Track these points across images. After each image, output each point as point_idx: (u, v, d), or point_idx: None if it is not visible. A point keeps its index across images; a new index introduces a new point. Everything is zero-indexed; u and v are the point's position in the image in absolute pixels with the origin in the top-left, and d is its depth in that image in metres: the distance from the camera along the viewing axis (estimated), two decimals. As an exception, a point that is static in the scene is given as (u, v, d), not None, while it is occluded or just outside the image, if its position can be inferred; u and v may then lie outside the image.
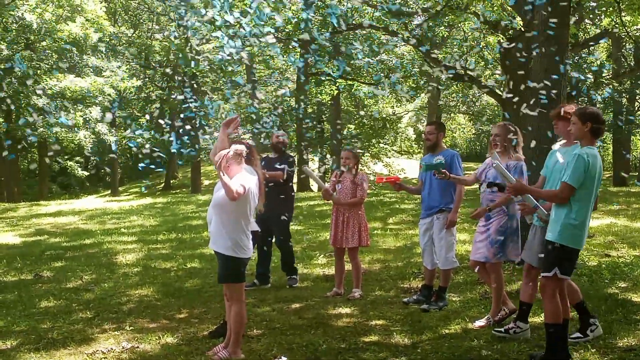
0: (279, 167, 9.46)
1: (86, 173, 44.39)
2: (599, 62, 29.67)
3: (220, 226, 6.43)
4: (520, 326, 6.95)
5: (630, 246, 11.32)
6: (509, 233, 7.50)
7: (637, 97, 34.19)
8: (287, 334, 7.31)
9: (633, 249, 11.11)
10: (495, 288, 7.59)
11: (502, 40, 18.05)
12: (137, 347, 6.98)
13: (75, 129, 32.35)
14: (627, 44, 29.78)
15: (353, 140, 36.32)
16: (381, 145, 40.38)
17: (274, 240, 9.94)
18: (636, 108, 35.43)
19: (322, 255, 12.16)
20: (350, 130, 40.02)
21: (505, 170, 6.51)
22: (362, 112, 38.97)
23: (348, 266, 9.47)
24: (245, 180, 6.37)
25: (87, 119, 32.94)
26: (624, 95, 31.75)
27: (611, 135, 35.05)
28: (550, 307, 6.06)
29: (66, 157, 43.03)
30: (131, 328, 7.73)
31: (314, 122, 35.56)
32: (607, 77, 26.93)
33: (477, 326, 7.45)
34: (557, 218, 6.02)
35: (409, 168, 42.40)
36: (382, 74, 33.14)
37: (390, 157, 41.85)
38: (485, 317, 7.64)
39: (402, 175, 39.10)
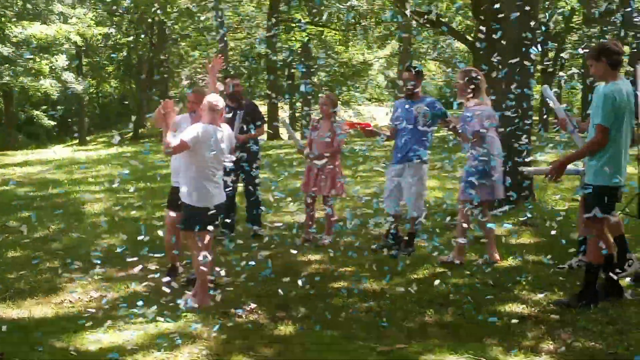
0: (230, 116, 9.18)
1: (53, 123, 43.81)
2: (569, 7, 29.62)
3: (181, 172, 6.64)
4: (582, 258, 7.02)
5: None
6: (472, 173, 7.67)
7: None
8: (256, 281, 7.31)
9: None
10: (458, 230, 7.84)
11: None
12: (105, 295, 6.94)
13: (41, 77, 31.80)
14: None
15: (324, 88, 36.14)
16: (352, 92, 40.20)
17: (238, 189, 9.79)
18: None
19: (292, 203, 12.10)
20: (320, 78, 39.77)
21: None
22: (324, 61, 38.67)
23: (318, 214, 9.45)
24: (185, 134, 6.48)
25: (53, 67, 32.38)
26: (593, 41, 31.79)
27: (580, 82, 35.23)
28: (591, 247, 6.17)
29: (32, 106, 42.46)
30: (99, 277, 7.67)
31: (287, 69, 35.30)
32: (577, 22, 26.88)
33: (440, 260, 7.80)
34: (589, 159, 6.08)
35: (380, 116, 42.32)
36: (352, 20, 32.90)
37: (361, 105, 41.72)
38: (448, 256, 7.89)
39: (372, 122, 39.12)
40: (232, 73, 9.74)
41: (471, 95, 7.73)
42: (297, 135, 9.36)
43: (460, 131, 7.87)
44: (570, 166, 6.54)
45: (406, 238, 8.56)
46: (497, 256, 7.82)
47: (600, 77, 6.16)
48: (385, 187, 8.70)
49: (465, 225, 7.70)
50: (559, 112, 6.83)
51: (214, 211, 6.57)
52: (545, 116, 24.37)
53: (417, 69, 8.62)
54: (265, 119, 10.37)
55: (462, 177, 7.84)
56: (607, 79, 6.09)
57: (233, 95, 9.40)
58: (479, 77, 7.78)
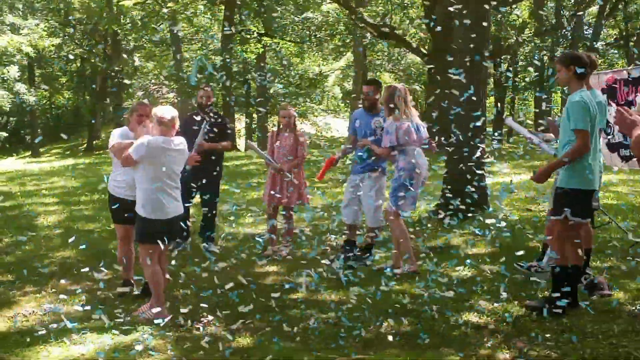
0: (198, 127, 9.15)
1: (5, 134, 43.15)
2: (520, 20, 30.10)
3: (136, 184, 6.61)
4: (541, 265, 7.33)
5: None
6: (398, 186, 7.90)
7: (557, 55, 34.82)
8: (213, 293, 7.26)
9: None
10: (398, 240, 8.07)
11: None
12: (60, 309, 6.85)
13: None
14: (549, 2, 30.27)
15: (280, 99, 36.12)
16: (308, 104, 40.27)
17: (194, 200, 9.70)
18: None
19: (249, 214, 12.10)
20: (277, 88, 39.76)
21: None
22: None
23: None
24: (131, 148, 6.49)
25: (5, 78, 31.93)
26: (544, 53, 32.28)
27: (534, 93, 35.69)
28: (568, 250, 6.27)
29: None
30: (53, 290, 7.59)
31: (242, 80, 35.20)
32: (529, 35, 27.34)
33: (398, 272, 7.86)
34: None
35: (336, 126, 42.46)
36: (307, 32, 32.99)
37: (317, 116, 41.77)
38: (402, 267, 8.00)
39: (329, 134, 39.20)
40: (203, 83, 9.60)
41: (391, 111, 8.00)
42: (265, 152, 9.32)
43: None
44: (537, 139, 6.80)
45: (363, 248, 8.60)
46: (401, 267, 7.99)
47: (564, 83, 6.39)
48: (344, 197, 8.75)
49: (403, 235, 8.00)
50: (525, 134, 7.24)
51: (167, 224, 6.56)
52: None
53: (377, 82, 8.79)
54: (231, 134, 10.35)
55: (391, 188, 8.04)
56: (571, 87, 6.31)
57: (202, 106, 9.35)
58: (399, 93, 7.95)
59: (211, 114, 9.35)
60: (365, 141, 8.29)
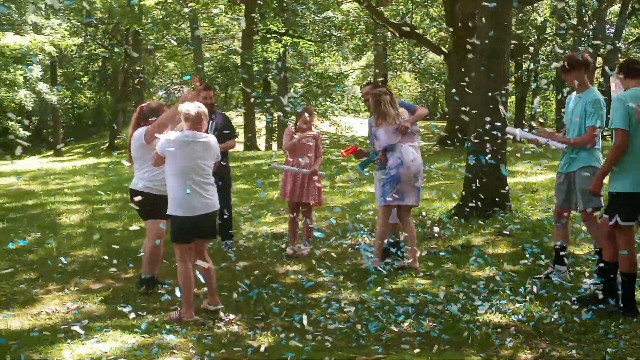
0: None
1: (28, 133, 43.49)
2: (542, 20, 29.95)
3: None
4: (559, 269, 7.27)
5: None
6: (389, 181, 8.11)
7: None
8: (235, 291, 7.30)
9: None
10: (377, 232, 8.40)
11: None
12: (82, 307, 6.90)
13: (15, 87, 31.62)
14: (570, 0, 30.10)
15: (301, 99, 36.16)
16: (328, 103, 40.31)
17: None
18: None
19: (269, 214, 12.13)
20: (297, 88, 39.83)
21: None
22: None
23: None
24: (159, 143, 6.56)
25: (28, 77, 32.18)
26: (566, 52, 32.12)
27: (554, 92, 35.51)
28: (621, 258, 6.25)
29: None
30: (76, 289, 7.64)
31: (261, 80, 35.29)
32: (550, 34, 27.18)
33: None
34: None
35: (356, 126, 42.44)
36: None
37: (337, 116, 41.80)
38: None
39: (349, 133, 39.19)
40: (205, 84, 9.51)
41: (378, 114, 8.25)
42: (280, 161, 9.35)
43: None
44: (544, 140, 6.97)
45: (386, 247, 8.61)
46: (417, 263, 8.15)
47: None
48: (375, 195, 8.92)
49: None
50: (528, 137, 7.34)
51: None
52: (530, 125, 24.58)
53: (370, 83, 8.92)
54: (238, 131, 10.34)
55: (382, 183, 8.23)
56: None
57: (204, 106, 9.33)
58: (384, 99, 8.22)
59: (214, 115, 9.35)
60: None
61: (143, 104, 7.59)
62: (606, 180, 6.41)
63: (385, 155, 8.27)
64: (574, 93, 7.10)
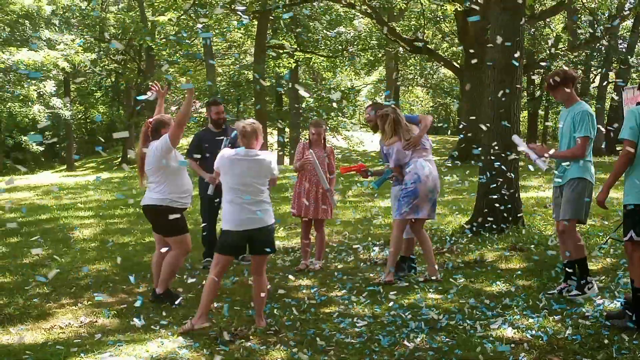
0: (218, 139, 9.22)
1: (41, 148, 43.73)
2: (554, 35, 29.90)
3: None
4: (571, 284, 7.21)
5: (593, 213, 11.44)
6: (403, 196, 8.12)
7: (592, 69, 34.56)
8: (247, 306, 7.31)
9: (588, 218, 11.24)
10: (391, 246, 8.30)
11: (459, 9, 18.01)
12: (96, 321, 6.92)
13: (29, 103, 31.81)
14: (583, 16, 30.05)
15: (312, 114, 36.24)
16: (340, 118, 40.36)
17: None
18: (591, 79, 35.81)
19: (282, 228, 12.15)
20: (308, 103, 39.92)
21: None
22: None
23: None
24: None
25: (41, 92, 32.38)
26: (579, 67, 32.06)
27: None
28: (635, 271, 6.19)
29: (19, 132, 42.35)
30: (89, 303, 7.66)
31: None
32: (563, 48, 27.14)
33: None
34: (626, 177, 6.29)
35: (368, 141, 42.44)
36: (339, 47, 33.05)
37: (349, 130, 41.83)
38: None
39: (361, 148, 39.19)
40: (216, 100, 9.56)
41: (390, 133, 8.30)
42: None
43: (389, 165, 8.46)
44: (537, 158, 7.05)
45: (398, 260, 8.60)
46: (437, 274, 8.19)
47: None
48: (392, 210, 8.87)
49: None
50: (522, 147, 7.42)
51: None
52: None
53: (373, 104, 8.97)
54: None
55: (399, 197, 8.21)
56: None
57: (217, 122, 9.39)
58: (391, 118, 8.29)
59: (226, 129, 9.39)
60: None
61: (150, 119, 7.62)
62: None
63: (400, 171, 8.30)
64: (563, 108, 7.22)
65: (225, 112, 9.64)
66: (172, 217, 7.12)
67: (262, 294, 6.65)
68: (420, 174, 8.04)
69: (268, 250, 6.59)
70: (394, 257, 8.23)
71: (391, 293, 7.53)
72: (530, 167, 7.96)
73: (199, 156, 9.12)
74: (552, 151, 7.11)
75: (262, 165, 6.58)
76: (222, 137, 9.14)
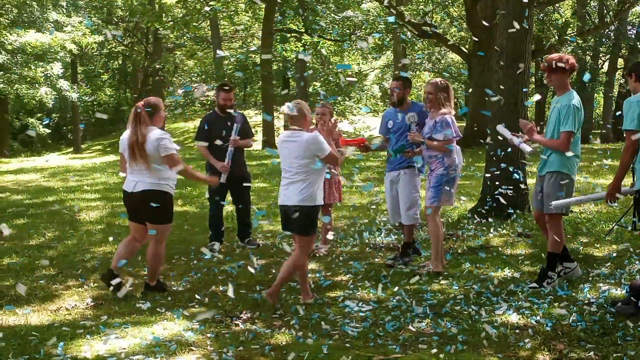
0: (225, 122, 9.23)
1: (48, 130, 43.78)
2: (563, 20, 29.75)
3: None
4: (567, 266, 7.30)
5: (591, 202, 11.43)
6: (445, 181, 7.83)
7: (600, 55, 34.39)
8: (252, 289, 7.33)
9: (595, 205, 11.24)
10: (431, 235, 7.99)
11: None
12: (101, 303, 6.95)
13: (36, 85, 31.80)
14: (592, 1, 29.91)
15: (319, 98, 36.17)
16: (347, 103, 40.26)
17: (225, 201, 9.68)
18: (600, 65, 35.65)
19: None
20: (315, 87, 39.83)
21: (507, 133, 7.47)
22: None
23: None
24: None
25: (49, 75, 32.36)
26: (587, 52, 31.91)
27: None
28: None
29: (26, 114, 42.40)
30: (95, 285, 7.69)
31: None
32: (572, 34, 27.00)
33: (419, 270, 7.88)
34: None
35: (375, 126, 42.32)
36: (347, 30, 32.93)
37: (356, 115, 41.71)
38: (427, 265, 8.06)
39: (367, 133, 39.10)
40: (225, 85, 9.55)
41: (443, 104, 7.95)
42: None
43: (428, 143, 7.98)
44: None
45: (402, 246, 8.59)
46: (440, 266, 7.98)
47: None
48: (386, 196, 8.73)
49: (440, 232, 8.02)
50: (507, 135, 7.48)
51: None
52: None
53: (404, 78, 8.63)
54: (256, 129, 10.33)
55: (433, 184, 7.91)
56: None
57: (222, 108, 9.37)
58: (449, 87, 8.04)
59: (234, 113, 9.40)
60: (416, 135, 8.18)
61: (140, 103, 7.27)
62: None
63: (420, 150, 8.09)
64: (557, 96, 7.16)
65: (234, 99, 9.64)
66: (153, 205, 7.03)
67: (292, 268, 6.86)
68: (459, 161, 7.96)
69: (296, 229, 6.82)
70: (440, 245, 7.96)
71: (395, 277, 7.54)
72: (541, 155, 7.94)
73: (204, 143, 9.14)
74: (537, 136, 7.09)
75: (302, 146, 6.66)
76: (228, 121, 9.16)
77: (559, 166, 6.89)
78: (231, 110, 9.38)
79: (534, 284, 7.06)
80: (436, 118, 7.84)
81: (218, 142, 8.79)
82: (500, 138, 8.00)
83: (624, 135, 6.28)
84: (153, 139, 7.01)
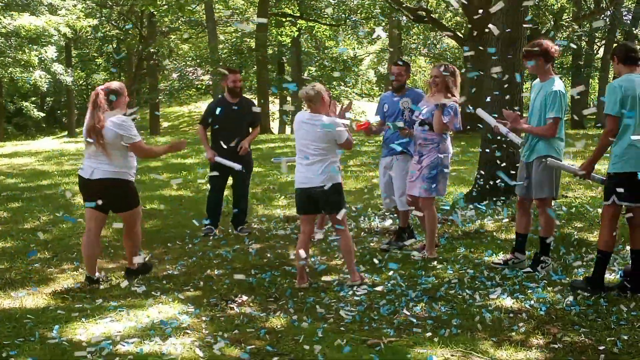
0: (234, 109, 9.19)
1: (42, 114, 43.65)
2: (559, 5, 29.71)
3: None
4: (518, 257, 7.33)
5: (586, 187, 11.46)
6: (440, 169, 7.78)
7: (596, 40, 34.37)
8: (247, 273, 7.34)
9: (590, 190, 11.26)
10: (428, 224, 7.90)
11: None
12: (97, 286, 6.95)
13: (30, 68, 31.67)
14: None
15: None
16: (342, 87, 40.23)
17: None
18: (595, 51, 35.63)
19: (282, 197, 12.16)
20: (311, 72, 39.79)
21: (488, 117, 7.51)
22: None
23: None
24: None
25: (43, 58, 32.23)
26: (583, 38, 31.88)
27: (570, 78, 35.29)
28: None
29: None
30: (90, 268, 7.68)
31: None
32: (567, 19, 26.96)
33: (412, 257, 7.82)
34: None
35: (370, 111, 42.33)
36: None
37: (350, 100, 41.73)
38: (422, 251, 8.01)
39: (363, 118, 39.10)
40: (233, 68, 9.52)
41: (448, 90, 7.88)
42: None
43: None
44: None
45: (396, 231, 8.61)
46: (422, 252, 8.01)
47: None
48: (380, 182, 8.73)
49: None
50: (492, 122, 7.45)
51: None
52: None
53: (406, 63, 8.65)
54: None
55: (427, 174, 7.80)
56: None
57: (233, 90, 9.29)
58: (456, 72, 7.92)
59: (242, 98, 9.38)
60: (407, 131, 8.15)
61: (101, 87, 6.95)
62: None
63: (411, 131, 8.01)
64: (538, 80, 7.15)
65: (241, 81, 9.58)
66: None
67: (346, 249, 6.93)
68: (449, 149, 7.94)
69: (328, 209, 6.92)
70: (434, 236, 7.99)
71: (390, 262, 7.56)
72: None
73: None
74: (524, 125, 7.09)
75: (315, 127, 6.77)
76: (237, 107, 9.10)
77: (547, 150, 6.90)
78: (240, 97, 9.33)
79: (528, 269, 7.09)
80: (448, 103, 7.70)
81: (230, 144, 8.84)
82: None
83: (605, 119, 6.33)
84: (113, 125, 6.73)
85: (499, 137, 9.35)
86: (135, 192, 7.16)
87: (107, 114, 6.75)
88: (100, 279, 7.07)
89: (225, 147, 8.90)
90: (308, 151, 6.79)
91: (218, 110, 9.03)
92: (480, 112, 7.70)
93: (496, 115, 7.76)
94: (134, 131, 6.83)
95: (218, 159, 8.99)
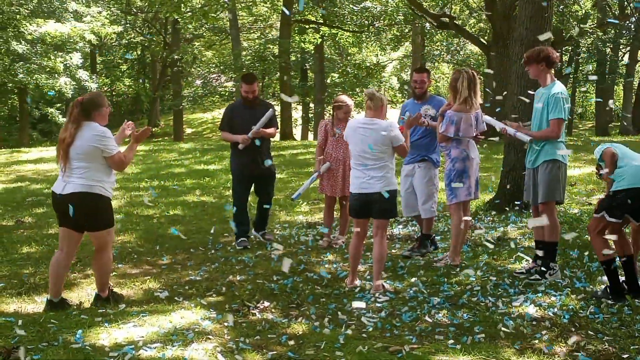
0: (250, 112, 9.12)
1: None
2: (583, 12, 29.52)
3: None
4: (552, 267, 7.18)
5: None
6: (454, 176, 7.76)
7: (620, 47, 34.12)
8: (269, 279, 7.35)
9: (592, 195, 11.18)
10: (453, 229, 7.93)
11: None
12: (120, 292, 6.98)
13: (56, 75, 31.93)
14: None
15: (337, 89, 36.13)
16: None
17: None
18: (620, 57, 35.37)
19: (304, 203, 12.17)
20: (333, 79, 39.79)
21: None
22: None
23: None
24: None
25: (68, 65, 32.49)
26: (608, 44, 31.66)
27: (594, 85, 35.05)
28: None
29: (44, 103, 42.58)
30: (114, 274, 7.72)
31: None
32: (592, 25, 26.76)
33: (437, 263, 7.87)
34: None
35: (392, 117, 42.23)
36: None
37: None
38: (444, 257, 8.02)
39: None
40: (249, 75, 9.38)
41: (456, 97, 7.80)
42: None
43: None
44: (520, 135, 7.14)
45: (420, 238, 8.59)
46: (444, 258, 8.01)
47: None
48: (401, 189, 8.63)
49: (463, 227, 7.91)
50: (499, 126, 7.46)
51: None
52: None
53: (428, 70, 8.67)
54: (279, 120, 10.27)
55: (446, 181, 7.89)
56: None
57: (245, 99, 9.14)
58: (463, 78, 7.78)
59: (258, 103, 9.27)
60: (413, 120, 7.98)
61: (80, 98, 6.56)
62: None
63: (445, 139, 7.83)
64: (540, 88, 7.19)
65: (258, 91, 9.29)
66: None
67: (379, 257, 6.96)
68: (469, 153, 7.79)
69: (380, 215, 6.98)
70: (459, 238, 7.89)
71: (412, 268, 7.54)
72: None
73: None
74: (528, 132, 7.10)
75: (377, 133, 6.84)
76: (253, 111, 8.99)
77: (554, 154, 6.95)
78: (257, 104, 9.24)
79: (537, 276, 7.04)
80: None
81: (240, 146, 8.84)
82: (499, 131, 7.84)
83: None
84: (90, 136, 6.29)
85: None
86: (108, 210, 6.56)
87: (85, 125, 6.33)
88: (66, 303, 6.55)
89: (240, 148, 8.87)
90: (365, 156, 6.87)
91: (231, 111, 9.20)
92: (486, 118, 7.74)
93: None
94: (111, 144, 6.36)
95: (250, 133, 8.87)
